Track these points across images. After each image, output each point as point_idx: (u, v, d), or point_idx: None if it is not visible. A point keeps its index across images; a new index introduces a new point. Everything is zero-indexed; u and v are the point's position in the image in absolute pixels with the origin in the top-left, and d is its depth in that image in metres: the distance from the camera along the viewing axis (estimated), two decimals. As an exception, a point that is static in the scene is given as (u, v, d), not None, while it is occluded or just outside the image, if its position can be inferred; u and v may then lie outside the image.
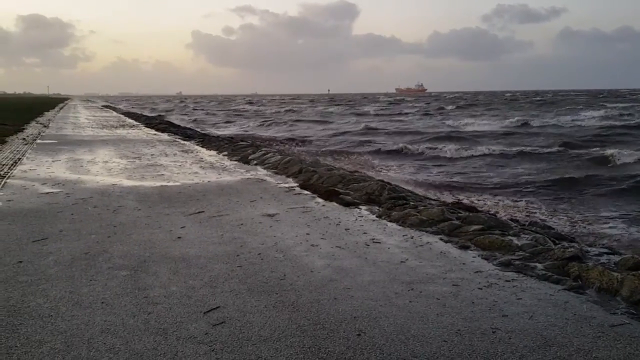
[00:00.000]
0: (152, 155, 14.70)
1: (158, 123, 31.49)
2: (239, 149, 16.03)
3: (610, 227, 8.92)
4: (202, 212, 7.43)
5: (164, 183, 9.94)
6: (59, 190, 9.10)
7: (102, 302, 4.20)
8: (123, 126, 28.80)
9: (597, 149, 20.79)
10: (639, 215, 9.85)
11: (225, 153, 15.36)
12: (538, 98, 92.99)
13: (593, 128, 31.51)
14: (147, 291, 4.45)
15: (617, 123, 34.07)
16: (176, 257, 5.35)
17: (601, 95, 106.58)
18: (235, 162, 13.46)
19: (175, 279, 4.73)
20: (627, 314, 4.03)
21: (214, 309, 4.07)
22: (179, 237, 6.10)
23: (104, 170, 11.74)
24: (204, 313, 4.00)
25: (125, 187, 9.44)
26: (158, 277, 4.79)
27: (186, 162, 13.31)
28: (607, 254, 5.60)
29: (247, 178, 10.71)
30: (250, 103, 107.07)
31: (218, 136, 23.83)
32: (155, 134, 23.12)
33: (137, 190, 9.13)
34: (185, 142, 19.12)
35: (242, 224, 6.73)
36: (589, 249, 5.81)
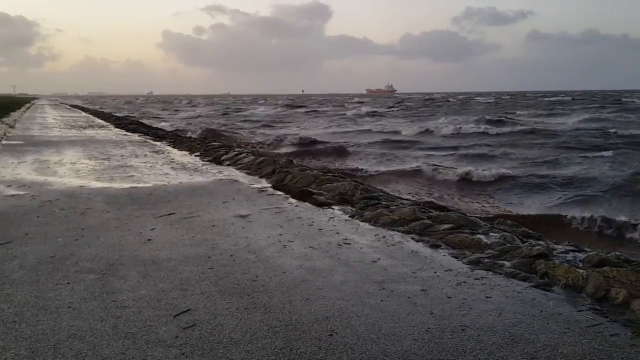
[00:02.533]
0: (121, 156, 14.49)
1: (128, 123, 31.05)
2: (211, 149, 15.91)
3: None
4: (173, 213, 7.36)
5: (134, 184, 9.80)
6: (24, 192, 8.90)
7: (69, 307, 4.12)
8: (92, 126, 28.32)
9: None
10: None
11: (198, 154, 15.22)
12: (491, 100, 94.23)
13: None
14: (115, 295, 4.38)
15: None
16: (146, 260, 5.29)
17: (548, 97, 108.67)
18: (208, 163, 13.35)
19: (145, 282, 4.67)
20: (591, 310, 4.12)
21: (185, 312, 4.03)
22: (149, 240, 6.03)
23: (71, 171, 11.52)
24: (174, 316, 3.96)
25: (93, 189, 9.28)
26: (127, 280, 4.73)
27: (157, 163, 13.15)
28: (573, 251, 5.71)
29: (220, 179, 10.64)
30: (190, 104, 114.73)
31: (190, 137, 23.61)
32: (125, 135, 22.79)
33: (106, 192, 8.99)
34: (156, 143, 18.89)
35: (213, 226, 6.68)
36: (555, 246, 5.92)
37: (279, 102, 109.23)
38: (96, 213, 7.40)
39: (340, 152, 24.93)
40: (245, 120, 51.49)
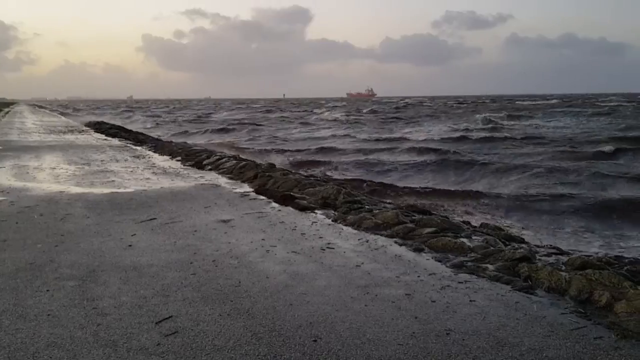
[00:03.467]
0: (102, 161, 14.32)
1: (108, 128, 30.72)
2: (192, 153, 15.79)
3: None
4: (155, 219, 7.27)
5: (115, 190, 9.68)
6: (3, 198, 8.74)
7: (48, 315, 4.04)
8: (72, 131, 27.99)
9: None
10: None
11: (179, 158, 15.11)
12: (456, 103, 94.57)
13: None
14: (96, 302, 4.30)
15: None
16: (127, 266, 5.21)
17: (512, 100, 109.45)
18: (189, 167, 13.25)
19: (126, 289, 4.60)
20: (575, 312, 4.14)
21: (166, 318, 3.97)
22: (130, 245, 5.94)
23: (51, 177, 11.35)
24: (156, 323, 3.89)
25: (73, 195, 9.15)
26: (108, 287, 4.65)
27: (138, 167, 13.01)
28: (556, 254, 5.75)
29: (202, 183, 10.55)
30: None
31: (171, 141, 23.43)
32: (105, 139, 22.54)
33: (86, 198, 8.86)
34: (137, 148, 18.71)
35: (196, 231, 6.61)
36: (538, 249, 5.96)
37: (256, 106, 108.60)
38: (76, 219, 7.28)
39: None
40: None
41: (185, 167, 13.42)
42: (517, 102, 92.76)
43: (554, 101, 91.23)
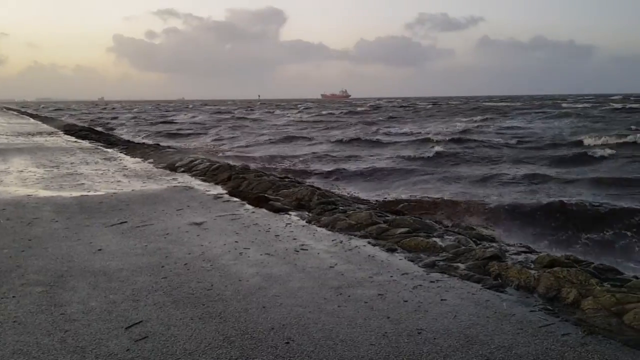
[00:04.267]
0: (71, 163, 14.06)
1: (79, 130, 30.20)
2: (165, 155, 15.63)
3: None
4: (125, 222, 7.17)
5: (84, 193, 9.51)
6: (-32, 202, 8.52)
7: (14, 321, 3.95)
8: (41, 133, 27.43)
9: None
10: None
11: (151, 160, 14.93)
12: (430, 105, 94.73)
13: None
14: (64, 308, 4.22)
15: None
16: (96, 271, 5.12)
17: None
18: (162, 170, 13.10)
19: (95, 294, 4.52)
20: (543, 310, 4.21)
21: (136, 323, 3.91)
22: (100, 250, 5.85)
23: (18, 180, 11.10)
24: (126, 328, 3.83)
25: (41, 198, 8.96)
26: (76, 292, 4.56)
27: (109, 170, 12.82)
28: (525, 252, 5.84)
29: (174, 186, 10.44)
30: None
31: (144, 143, 23.15)
32: (75, 141, 22.15)
33: (55, 201, 8.69)
34: (108, 150, 18.44)
35: (167, 234, 6.54)
36: (508, 248, 6.05)
37: (223, 107, 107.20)
38: (44, 223, 7.14)
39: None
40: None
41: (157, 169, 13.26)
42: (484, 103, 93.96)
43: (518, 103, 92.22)
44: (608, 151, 19.73)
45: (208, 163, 13.19)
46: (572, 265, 5.00)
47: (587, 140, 23.39)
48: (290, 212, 7.97)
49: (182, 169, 12.98)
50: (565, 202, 11.10)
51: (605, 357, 3.40)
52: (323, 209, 8.05)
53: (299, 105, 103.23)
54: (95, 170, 12.79)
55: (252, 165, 15.48)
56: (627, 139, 23.11)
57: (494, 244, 6.17)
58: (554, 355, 3.43)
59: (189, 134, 36.44)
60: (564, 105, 71.55)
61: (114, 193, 9.49)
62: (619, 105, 61.62)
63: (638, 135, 23.77)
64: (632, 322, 3.87)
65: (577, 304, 4.25)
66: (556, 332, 3.78)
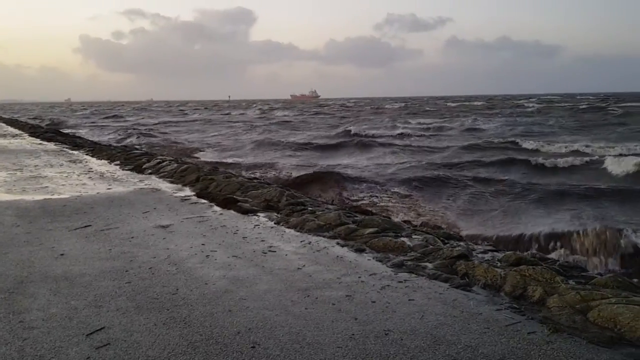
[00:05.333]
0: (35, 166, 13.71)
1: (44, 132, 29.51)
2: (132, 157, 15.37)
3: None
4: (89, 225, 7.00)
5: (48, 196, 9.26)
6: None
7: (-31, 331, 3.80)
8: (4, 136, 26.72)
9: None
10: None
11: (118, 162, 14.66)
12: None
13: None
14: (23, 315, 4.08)
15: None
16: (58, 276, 4.98)
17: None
18: (128, 172, 12.87)
19: (56, 300, 4.39)
20: (510, 308, 4.23)
21: (98, 330, 3.81)
22: (62, 254, 5.69)
23: (-21, 184, 10.77)
24: (87, 335, 3.72)
25: (2, 202, 8.69)
26: (36, 299, 4.42)
27: (74, 172, 12.53)
28: (492, 251, 5.89)
29: (141, 188, 10.26)
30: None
31: (110, 145, 22.74)
32: (40, 144, 21.63)
33: (17, 205, 8.45)
34: (73, 152, 18.04)
35: (132, 237, 6.40)
36: (475, 247, 6.09)
37: (185, 108, 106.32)
38: (4, 227, 6.92)
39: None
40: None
41: (124, 171, 13.03)
42: (447, 104, 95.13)
43: (479, 103, 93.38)
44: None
45: (176, 164, 13.00)
46: (538, 263, 5.05)
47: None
48: (258, 214, 7.89)
49: (150, 171, 12.77)
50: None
51: (570, 355, 3.43)
52: (292, 209, 8.00)
53: (253, 106, 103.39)
54: (60, 172, 12.49)
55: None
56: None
57: (461, 243, 6.20)
58: (520, 354, 3.45)
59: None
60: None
61: (79, 196, 9.28)
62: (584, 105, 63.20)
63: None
64: (596, 319, 3.91)
65: (542, 302, 4.29)
66: (522, 330, 3.80)
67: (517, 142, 25.74)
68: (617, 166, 17.00)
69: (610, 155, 19.25)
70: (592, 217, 10.62)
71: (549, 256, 5.71)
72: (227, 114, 69.50)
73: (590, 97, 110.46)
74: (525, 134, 31.83)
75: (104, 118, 67.86)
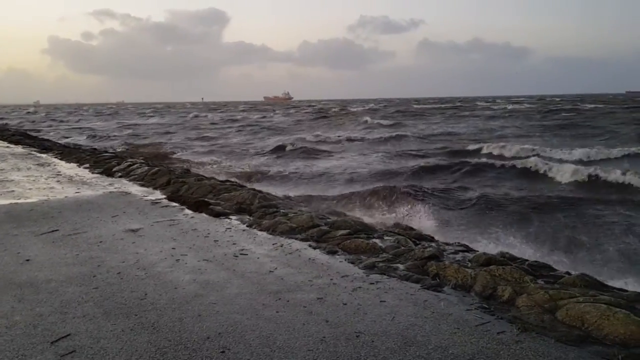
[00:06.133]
0: (1, 170, 13.36)
1: (11, 135, 28.85)
2: (102, 160, 15.11)
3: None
4: (56, 230, 6.84)
5: (14, 200, 9.04)
6: None
7: None
8: (-31, 139, 26.04)
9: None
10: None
11: (87, 165, 14.40)
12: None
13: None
14: (-16, 324, 3.96)
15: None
16: (22, 283, 4.85)
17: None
18: (98, 175, 12.65)
19: (20, 307, 4.27)
20: (480, 308, 4.26)
21: (64, 337, 3.72)
22: (27, 260, 5.55)
23: (-59, 188, 10.45)
24: (52, 343, 3.63)
25: (-34, 207, 8.46)
26: (0, 306, 4.30)
27: (41, 176, 12.26)
28: (463, 251, 5.93)
29: (110, 192, 10.09)
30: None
31: (79, 147, 22.33)
32: (7, 147, 21.12)
33: (-19, 210, 8.22)
34: (42, 155, 17.66)
35: (101, 242, 6.28)
36: (446, 247, 6.12)
37: (147, 110, 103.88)
38: (-33, 233, 6.73)
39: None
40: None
41: (93, 174, 12.80)
42: (414, 106, 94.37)
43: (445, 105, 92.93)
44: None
45: (147, 167, 12.83)
46: (507, 263, 5.10)
47: None
48: (230, 217, 7.83)
49: (120, 174, 12.57)
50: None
51: (539, 354, 3.46)
52: (264, 212, 7.95)
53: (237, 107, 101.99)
54: (27, 176, 12.21)
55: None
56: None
57: (432, 244, 6.23)
58: (490, 353, 3.47)
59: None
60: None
61: (46, 200, 9.08)
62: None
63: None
64: (564, 318, 3.96)
65: (512, 302, 4.33)
66: (492, 330, 3.83)
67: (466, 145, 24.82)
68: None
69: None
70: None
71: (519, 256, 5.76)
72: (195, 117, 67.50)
73: (556, 99, 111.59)
74: (471, 137, 31.27)
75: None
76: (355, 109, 74.55)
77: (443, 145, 25.97)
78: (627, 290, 4.74)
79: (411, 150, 24.48)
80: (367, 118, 48.63)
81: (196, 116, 69.97)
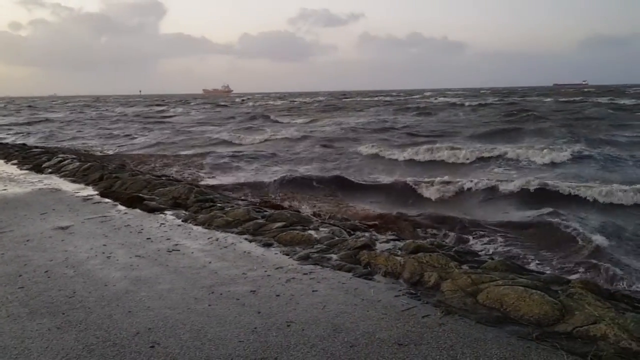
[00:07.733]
0: None
1: None
2: (31, 156, 14.54)
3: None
4: (-20, 230, 6.57)
5: None
6: None
7: None
8: None
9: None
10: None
11: (15, 162, 13.84)
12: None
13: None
14: None
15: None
16: (-59, 285, 4.65)
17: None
18: (26, 172, 12.18)
19: (-62, 311, 4.10)
20: (407, 294, 4.42)
21: (-15, 339, 3.60)
22: (-53, 261, 5.32)
23: None
24: (-28, 346, 3.52)
25: None
26: None
27: (-36, 174, 11.69)
28: (394, 240, 6.09)
29: (39, 188, 9.74)
30: None
31: (7, 143, 21.36)
32: None
33: None
34: (-36, 152, 16.82)
35: (28, 240, 6.08)
36: (379, 236, 6.28)
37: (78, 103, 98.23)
38: None
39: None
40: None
41: (22, 171, 12.32)
42: (343, 100, 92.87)
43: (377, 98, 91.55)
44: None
45: (78, 163, 12.44)
46: (435, 250, 5.29)
47: None
48: (165, 212, 7.73)
49: (50, 170, 12.14)
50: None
51: (460, 335, 3.64)
52: (200, 206, 7.90)
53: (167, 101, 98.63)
54: (-52, 174, 11.61)
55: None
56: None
57: (365, 234, 6.38)
58: (414, 337, 3.61)
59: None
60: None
61: (-31, 199, 8.67)
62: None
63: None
64: (484, 300, 4.17)
65: (437, 287, 4.51)
66: (417, 314, 3.99)
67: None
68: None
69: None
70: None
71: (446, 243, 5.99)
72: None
73: (487, 92, 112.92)
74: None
75: None
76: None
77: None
78: (544, 273, 5.02)
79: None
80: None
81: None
